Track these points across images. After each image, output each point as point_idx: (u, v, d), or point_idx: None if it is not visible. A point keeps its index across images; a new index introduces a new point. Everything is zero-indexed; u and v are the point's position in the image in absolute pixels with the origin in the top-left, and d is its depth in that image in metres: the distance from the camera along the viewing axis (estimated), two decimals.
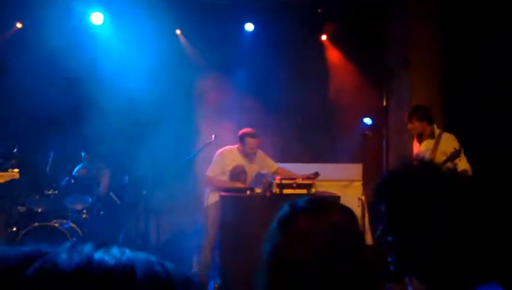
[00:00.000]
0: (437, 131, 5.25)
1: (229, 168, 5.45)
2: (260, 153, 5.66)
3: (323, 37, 7.41)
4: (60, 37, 6.24)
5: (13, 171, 4.84)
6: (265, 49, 6.96)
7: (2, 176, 4.79)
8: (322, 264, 1.08)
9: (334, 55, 7.45)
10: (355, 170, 6.87)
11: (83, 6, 6.73)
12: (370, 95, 7.41)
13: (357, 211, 6.40)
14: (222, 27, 6.95)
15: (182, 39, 7.24)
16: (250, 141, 5.41)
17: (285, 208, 1.24)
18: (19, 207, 5.69)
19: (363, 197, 5.67)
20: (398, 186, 1.26)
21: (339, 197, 5.06)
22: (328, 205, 1.22)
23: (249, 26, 7.30)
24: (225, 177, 5.46)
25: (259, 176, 5.66)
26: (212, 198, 5.41)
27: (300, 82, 7.07)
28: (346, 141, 7.18)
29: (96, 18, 6.83)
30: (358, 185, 6.74)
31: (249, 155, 5.50)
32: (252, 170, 5.59)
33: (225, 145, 5.63)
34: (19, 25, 6.91)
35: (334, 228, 1.12)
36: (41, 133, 6.47)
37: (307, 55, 7.17)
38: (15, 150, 5.57)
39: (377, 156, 7.36)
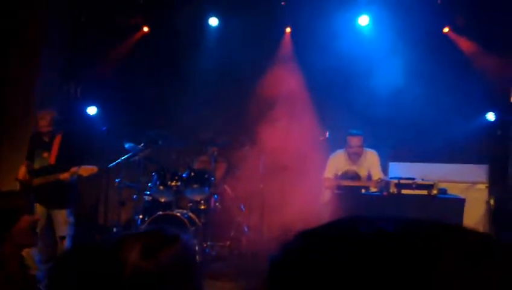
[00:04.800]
0: None
1: (340, 173, 5.45)
2: (372, 156, 5.53)
3: (446, 30, 6.96)
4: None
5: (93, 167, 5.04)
6: (382, 43, 6.74)
7: (87, 169, 5.04)
8: None
9: (457, 47, 6.95)
10: (478, 172, 6.38)
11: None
12: (496, 90, 6.81)
13: (483, 216, 5.94)
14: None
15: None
16: (350, 139, 5.37)
17: None
18: (145, 197, 6.18)
19: (491, 201, 5.23)
20: None
21: (464, 200, 4.73)
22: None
23: (364, 20, 7.05)
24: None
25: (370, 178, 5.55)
26: (327, 196, 5.41)
27: (418, 76, 6.70)
28: (468, 140, 6.69)
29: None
30: (483, 187, 6.26)
31: (353, 157, 5.43)
32: (363, 173, 5.51)
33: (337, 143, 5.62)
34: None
35: None
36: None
37: (426, 47, 6.79)
38: (142, 144, 6.08)
39: (504, 157, 6.73)
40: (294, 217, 6.53)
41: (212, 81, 7.09)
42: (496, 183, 6.36)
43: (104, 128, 6.07)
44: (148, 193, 6.15)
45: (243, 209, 6.61)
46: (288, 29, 7.45)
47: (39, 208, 4.99)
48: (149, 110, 7.25)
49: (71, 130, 5.55)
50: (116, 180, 6.16)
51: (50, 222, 5.06)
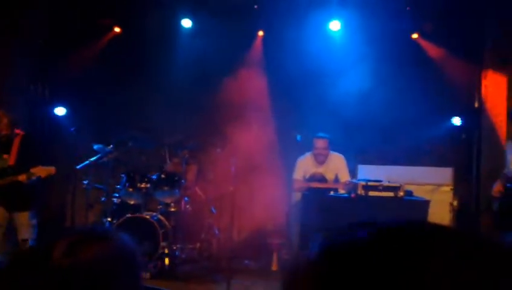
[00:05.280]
0: None
1: (307, 175, 5.54)
2: (338, 159, 5.65)
3: (415, 36, 7.11)
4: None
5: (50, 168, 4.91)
6: (352, 47, 6.85)
7: (44, 170, 4.90)
8: None
9: (425, 53, 7.11)
10: (443, 174, 6.55)
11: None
12: (461, 95, 7.01)
13: (448, 217, 6.11)
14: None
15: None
16: (316, 141, 5.48)
17: None
18: (114, 199, 6.10)
19: (455, 203, 5.38)
20: None
21: (428, 202, 4.86)
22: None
23: (335, 25, 7.12)
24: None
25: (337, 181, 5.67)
26: (297, 198, 5.47)
27: (386, 80, 6.82)
28: (434, 143, 6.87)
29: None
30: (447, 189, 6.43)
31: (319, 158, 5.52)
32: (329, 176, 5.61)
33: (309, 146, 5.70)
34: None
35: None
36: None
37: (395, 52, 6.93)
38: (111, 146, 6.00)
39: (468, 160, 6.93)
40: (264, 219, 6.57)
41: (184, 83, 7.06)
42: (460, 186, 6.55)
43: (73, 129, 5.96)
44: (117, 195, 6.07)
45: (214, 211, 6.59)
46: (260, 33, 7.48)
47: (1, 211, 4.87)
48: (119, 112, 7.16)
49: (32, 131, 5.38)
50: (84, 182, 6.06)
51: (13, 225, 4.93)
